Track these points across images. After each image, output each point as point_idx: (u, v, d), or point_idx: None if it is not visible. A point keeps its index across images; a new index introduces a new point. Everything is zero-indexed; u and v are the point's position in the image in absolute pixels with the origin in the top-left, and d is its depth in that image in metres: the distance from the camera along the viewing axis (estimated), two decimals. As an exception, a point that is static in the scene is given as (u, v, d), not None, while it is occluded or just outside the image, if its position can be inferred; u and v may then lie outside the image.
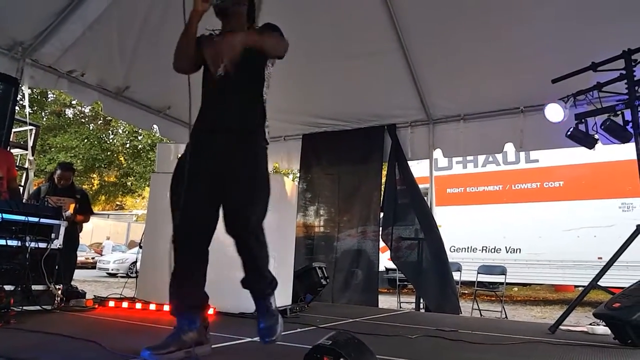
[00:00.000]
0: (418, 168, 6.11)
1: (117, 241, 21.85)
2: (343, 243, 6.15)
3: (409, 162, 5.88)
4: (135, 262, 14.37)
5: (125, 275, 14.42)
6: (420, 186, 5.84)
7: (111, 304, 3.75)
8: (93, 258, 17.20)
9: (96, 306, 3.76)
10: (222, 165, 2.10)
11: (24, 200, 4.22)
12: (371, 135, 6.07)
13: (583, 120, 3.99)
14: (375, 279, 5.91)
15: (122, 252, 17.49)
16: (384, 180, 6.12)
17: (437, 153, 5.80)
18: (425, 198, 5.84)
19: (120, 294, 4.05)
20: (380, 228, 5.85)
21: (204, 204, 2.11)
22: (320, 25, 5.10)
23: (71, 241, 4.78)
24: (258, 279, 2.17)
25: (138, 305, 3.66)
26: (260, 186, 2.19)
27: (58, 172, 4.98)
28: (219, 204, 2.14)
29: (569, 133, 4.04)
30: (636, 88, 3.55)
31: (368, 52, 5.22)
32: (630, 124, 3.55)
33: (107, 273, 15.20)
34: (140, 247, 4.26)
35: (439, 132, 5.72)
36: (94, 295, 4.23)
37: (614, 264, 3.37)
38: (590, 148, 4.09)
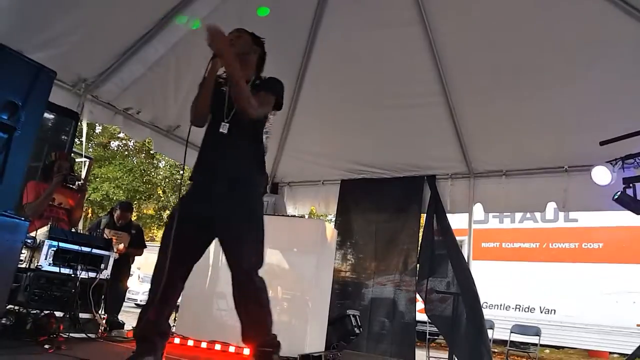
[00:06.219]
0: (453, 219, 6.02)
1: (146, 272, 22.03)
2: (376, 291, 6.06)
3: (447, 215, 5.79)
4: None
5: (152, 307, 14.40)
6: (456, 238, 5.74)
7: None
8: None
9: (136, 338, 3.82)
10: (215, 210, 2.28)
11: (79, 231, 4.39)
12: (410, 185, 6.05)
13: (631, 185, 3.92)
14: (412, 332, 5.74)
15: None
16: (420, 230, 6.07)
17: (477, 207, 5.71)
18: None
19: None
20: (416, 279, 5.76)
21: (190, 244, 2.30)
22: (366, 72, 5.27)
23: (122, 273, 4.98)
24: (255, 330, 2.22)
25: (176, 340, 3.69)
26: (253, 227, 2.32)
27: (118, 211, 5.21)
28: (206, 245, 2.39)
29: (616, 197, 3.96)
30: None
31: (412, 103, 5.33)
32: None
33: (136, 304, 15.25)
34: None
35: (479, 187, 5.65)
36: (132, 327, 4.27)
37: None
38: (638, 214, 3.98)
